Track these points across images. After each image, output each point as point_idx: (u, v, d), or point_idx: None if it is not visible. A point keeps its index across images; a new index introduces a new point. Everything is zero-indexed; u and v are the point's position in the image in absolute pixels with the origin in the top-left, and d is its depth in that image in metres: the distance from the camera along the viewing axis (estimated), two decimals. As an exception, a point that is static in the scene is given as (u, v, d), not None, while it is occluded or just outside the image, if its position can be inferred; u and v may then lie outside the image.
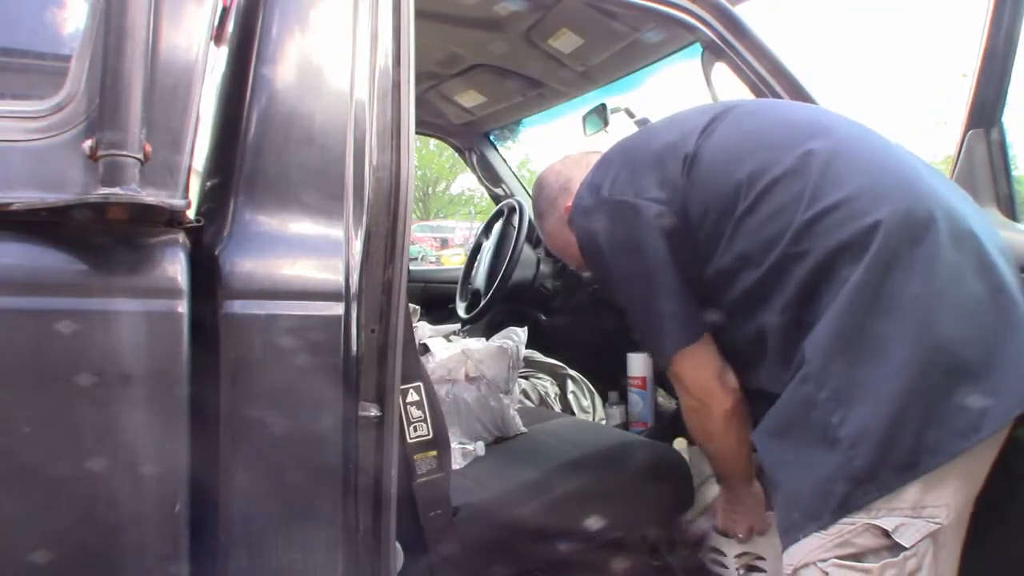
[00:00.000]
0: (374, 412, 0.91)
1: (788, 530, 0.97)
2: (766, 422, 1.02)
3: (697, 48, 1.52)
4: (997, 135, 1.46)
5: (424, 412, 1.17)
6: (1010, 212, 1.43)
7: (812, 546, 0.93)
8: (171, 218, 0.80)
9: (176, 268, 0.79)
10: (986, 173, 1.45)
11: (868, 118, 1.21)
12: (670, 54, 1.82)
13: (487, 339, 1.75)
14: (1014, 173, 1.48)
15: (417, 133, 1.18)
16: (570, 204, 1.27)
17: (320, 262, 0.88)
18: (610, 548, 1.37)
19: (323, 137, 0.90)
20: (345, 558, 0.90)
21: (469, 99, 2.33)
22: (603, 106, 2.00)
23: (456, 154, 2.87)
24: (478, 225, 3.50)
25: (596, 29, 1.73)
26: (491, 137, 2.74)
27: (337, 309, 0.87)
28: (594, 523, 1.31)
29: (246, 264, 0.85)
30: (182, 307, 0.79)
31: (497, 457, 1.47)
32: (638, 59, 1.88)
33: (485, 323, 2.34)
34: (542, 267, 2.26)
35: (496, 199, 2.74)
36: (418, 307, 2.04)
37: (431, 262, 11.83)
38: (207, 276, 0.82)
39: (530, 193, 1.85)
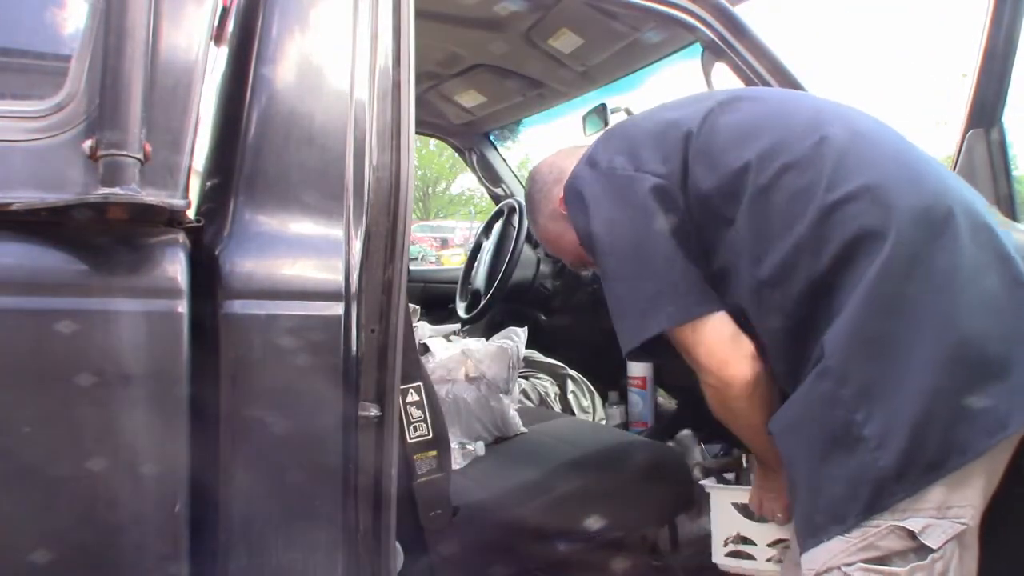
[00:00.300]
0: (374, 412, 0.91)
1: (809, 532, 0.93)
2: (778, 416, 0.99)
3: (697, 48, 1.52)
4: (997, 135, 1.47)
5: (424, 412, 1.17)
6: (1010, 212, 1.43)
7: (835, 550, 0.90)
8: (171, 218, 0.80)
9: (176, 268, 0.79)
10: (986, 173, 1.45)
11: (868, 118, 1.20)
12: (670, 54, 1.82)
13: (487, 339, 1.76)
14: (1014, 173, 1.49)
15: (417, 133, 1.17)
16: (564, 195, 1.20)
17: (320, 262, 0.88)
18: (610, 548, 1.37)
19: (323, 137, 0.90)
20: (345, 558, 0.90)
21: (469, 99, 2.33)
22: (603, 106, 1.99)
23: (456, 154, 2.87)
24: (478, 225, 3.50)
25: (596, 29, 1.73)
26: (491, 137, 2.74)
27: (337, 309, 0.87)
28: (594, 523, 1.31)
29: (246, 264, 0.85)
30: (182, 307, 0.79)
31: (497, 457, 1.47)
32: (638, 59, 1.88)
33: (485, 323, 2.34)
34: (542, 267, 2.26)
35: (496, 199, 2.74)
36: (418, 307, 2.04)
37: (431, 262, 11.82)
38: (207, 276, 0.82)
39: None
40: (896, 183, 0.93)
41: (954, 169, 1.48)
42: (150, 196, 0.75)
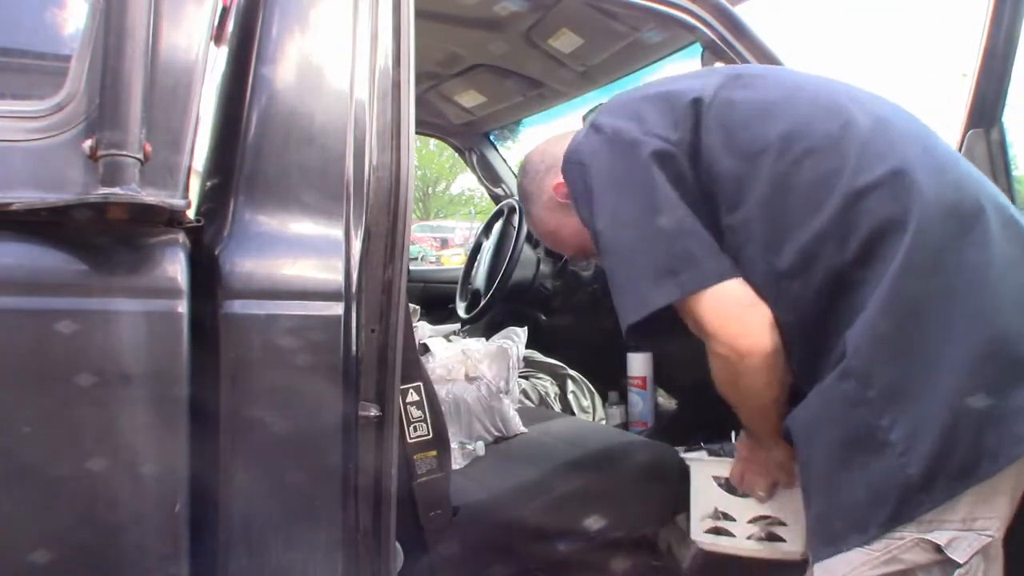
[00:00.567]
0: (374, 412, 0.91)
1: (826, 538, 0.89)
2: (795, 414, 0.95)
3: (697, 48, 1.52)
4: (997, 135, 1.47)
5: (424, 412, 1.17)
6: (1010, 212, 1.43)
7: (856, 561, 0.85)
8: (171, 218, 0.80)
9: (176, 268, 0.79)
10: (986, 173, 1.45)
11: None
12: (670, 54, 1.81)
13: (487, 339, 1.76)
14: (1014, 173, 1.49)
15: (417, 133, 1.17)
16: (559, 182, 1.13)
17: (320, 262, 0.89)
18: (610, 548, 1.37)
19: (323, 137, 0.90)
20: (345, 558, 0.90)
21: (469, 99, 2.34)
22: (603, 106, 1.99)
23: (456, 154, 2.87)
24: (478, 225, 3.50)
25: (596, 29, 1.73)
26: (491, 137, 2.74)
27: (337, 309, 0.87)
28: (594, 523, 1.30)
29: (246, 264, 0.85)
30: (182, 307, 0.79)
31: (497, 457, 1.47)
32: (638, 59, 1.88)
33: (485, 323, 2.34)
34: (542, 267, 2.26)
35: (496, 199, 2.74)
36: (418, 307, 2.04)
37: (431, 262, 11.82)
38: (207, 276, 0.83)
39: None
40: (924, 171, 0.88)
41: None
42: (150, 196, 0.75)
